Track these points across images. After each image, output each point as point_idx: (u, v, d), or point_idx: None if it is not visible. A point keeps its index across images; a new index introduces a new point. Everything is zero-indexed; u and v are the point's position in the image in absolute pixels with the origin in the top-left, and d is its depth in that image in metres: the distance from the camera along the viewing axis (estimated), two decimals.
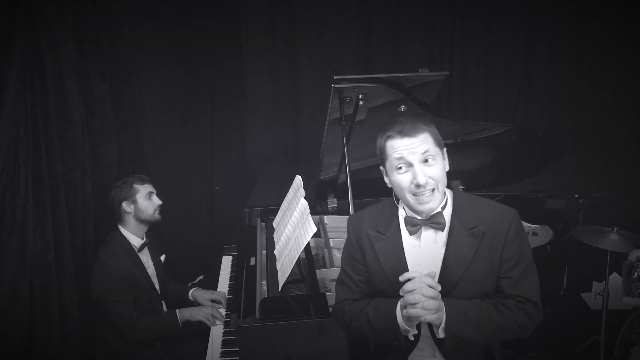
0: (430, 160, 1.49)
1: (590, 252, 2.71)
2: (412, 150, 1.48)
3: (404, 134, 1.49)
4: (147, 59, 3.06)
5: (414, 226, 1.56)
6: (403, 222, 1.60)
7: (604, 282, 2.74)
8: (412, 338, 1.53)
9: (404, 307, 1.44)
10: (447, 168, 1.56)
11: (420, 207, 1.51)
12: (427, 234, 1.58)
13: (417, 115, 2.12)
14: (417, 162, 1.48)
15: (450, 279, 1.51)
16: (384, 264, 1.58)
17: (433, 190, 1.49)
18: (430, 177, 1.48)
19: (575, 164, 3.26)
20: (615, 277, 2.94)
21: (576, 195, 3.01)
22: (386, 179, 1.60)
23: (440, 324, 1.44)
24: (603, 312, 2.74)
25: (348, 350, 1.82)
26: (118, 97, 2.72)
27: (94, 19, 2.50)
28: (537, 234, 2.91)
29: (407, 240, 1.60)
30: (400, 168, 1.50)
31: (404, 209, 1.61)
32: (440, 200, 1.54)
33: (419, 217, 1.56)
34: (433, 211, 1.54)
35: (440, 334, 1.45)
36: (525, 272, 1.54)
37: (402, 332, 1.51)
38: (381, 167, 1.60)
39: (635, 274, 2.66)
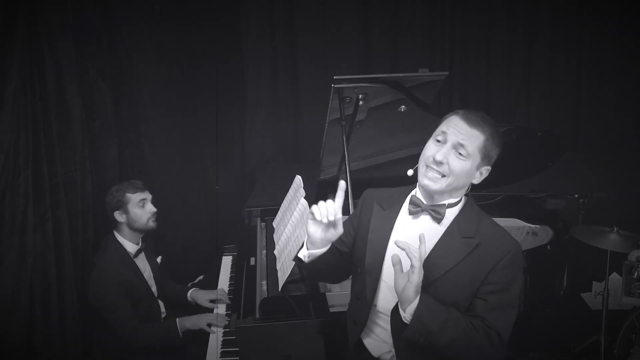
0: (462, 153, 1.47)
1: (590, 252, 2.71)
2: (457, 132, 1.47)
3: (465, 118, 1.49)
4: (147, 59, 3.05)
5: (416, 207, 1.55)
6: (409, 200, 1.59)
7: (604, 282, 2.74)
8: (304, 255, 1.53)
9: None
10: (476, 180, 1.53)
11: (423, 180, 1.50)
12: (425, 222, 1.55)
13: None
14: (450, 144, 1.48)
15: (427, 276, 1.44)
16: (370, 236, 1.60)
17: (444, 176, 1.48)
18: (449, 164, 1.47)
19: (575, 164, 3.25)
20: (615, 277, 2.94)
21: (576, 195, 3.01)
22: None
23: (410, 305, 1.39)
24: (603, 312, 2.74)
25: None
26: (118, 97, 2.72)
27: (94, 19, 2.50)
28: (537, 234, 2.91)
29: (401, 221, 1.59)
30: (438, 141, 1.50)
31: (417, 189, 1.60)
32: (445, 191, 1.51)
33: (425, 202, 1.55)
34: (433, 193, 1.51)
35: (408, 318, 1.40)
36: (503, 305, 1.46)
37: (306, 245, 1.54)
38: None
39: (635, 274, 2.67)
